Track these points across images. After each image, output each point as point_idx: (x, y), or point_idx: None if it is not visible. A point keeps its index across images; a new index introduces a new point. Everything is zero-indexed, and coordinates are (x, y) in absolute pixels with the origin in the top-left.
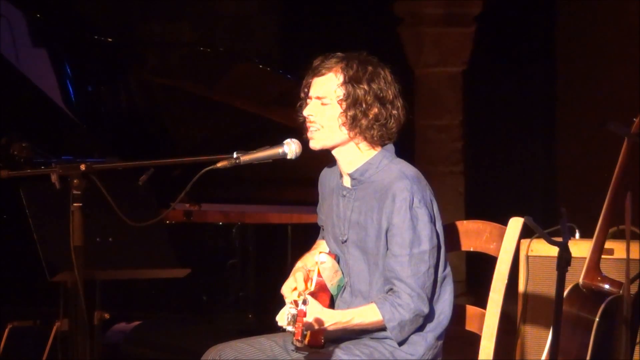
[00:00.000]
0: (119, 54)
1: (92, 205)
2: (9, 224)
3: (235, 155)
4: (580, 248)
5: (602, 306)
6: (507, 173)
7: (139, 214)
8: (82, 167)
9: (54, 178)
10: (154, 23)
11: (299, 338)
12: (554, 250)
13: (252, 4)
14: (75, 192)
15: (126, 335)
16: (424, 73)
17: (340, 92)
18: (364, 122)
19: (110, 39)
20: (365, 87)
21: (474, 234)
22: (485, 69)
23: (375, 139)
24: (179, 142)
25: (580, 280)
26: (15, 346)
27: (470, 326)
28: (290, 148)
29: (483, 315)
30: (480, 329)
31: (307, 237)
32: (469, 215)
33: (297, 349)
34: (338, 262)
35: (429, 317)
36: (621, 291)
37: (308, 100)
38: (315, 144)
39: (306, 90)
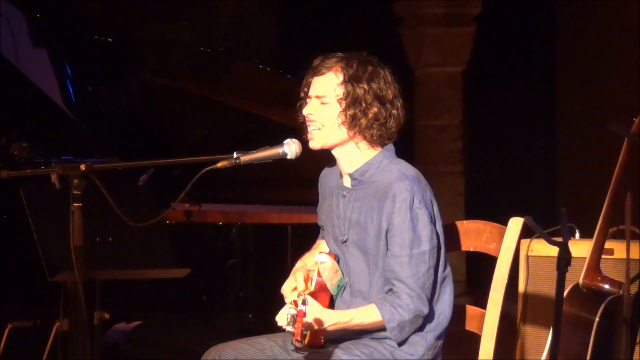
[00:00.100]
0: (119, 54)
1: (92, 205)
2: (9, 224)
3: (235, 155)
4: (580, 248)
5: (602, 306)
6: (507, 173)
7: (139, 214)
8: (82, 167)
9: (54, 178)
10: (154, 23)
11: (299, 338)
12: (554, 250)
13: (252, 4)
14: (75, 192)
15: (126, 335)
16: (424, 73)
17: (340, 91)
18: (363, 121)
19: (110, 39)
20: (365, 86)
21: (474, 234)
22: (485, 69)
23: (375, 138)
24: (179, 142)
25: (580, 280)
26: (15, 346)
27: (470, 326)
28: (290, 148)
29: (483, 315)
30: (480, 329)
31: (307, 237)
32: (469, 215)
33: (297, 349)
34: (338, 262)
35: (428, 317)
36: (621, 291)
37: (308, 100)
38: (314, 144)
39: (306, 89)
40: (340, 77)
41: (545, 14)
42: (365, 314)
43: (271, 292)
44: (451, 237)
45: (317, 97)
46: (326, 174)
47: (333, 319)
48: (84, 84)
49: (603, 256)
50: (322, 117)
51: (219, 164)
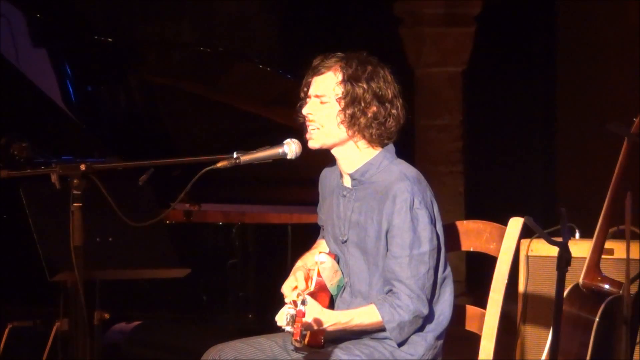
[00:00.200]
0: (119, 54)
1: (92, 205)
2: (9, 224)
3: (235, 155)
4: (580, 248)
5: (602, 306)
6: (507, 173)
7: (139, 214)
8: (82, 167)
9: (54, 178)
10: (154, 23)
11: (298, 338)
12: (554, 250)
13: (252, 4)
14: (75, 192)
15: (126, 335)
16: (424, 73)
17: (339, 90)
18: (362, 120)
19: (110, 39)
20: (364, 85)
21: (474, 234)
22: (485, 69)
23: (374, 137)
24: (179, 142)
25: (580, 280)
26: (15, 346)
27: (470, 326)
28: (290, 148)
29: (483, 315)
30: (480, 329)
31: (307, 237)
32: (469, 215)
33: (296, 349)
34: (338, 262)
35: (428, 317)
36: (621, 291)
37: (307, 100)
38: (313, 143)
39: (305, 89)
40: (339, 76)
41: (545, 14)
42: (365, 315)
43: (271, 292)
44: (451, 237)
45: (317, 96)
46: (326, 174)
47: (332, 319)
48: (84, 84)
49: (603, 256)
50: (322, 117)
51: (219, 164)
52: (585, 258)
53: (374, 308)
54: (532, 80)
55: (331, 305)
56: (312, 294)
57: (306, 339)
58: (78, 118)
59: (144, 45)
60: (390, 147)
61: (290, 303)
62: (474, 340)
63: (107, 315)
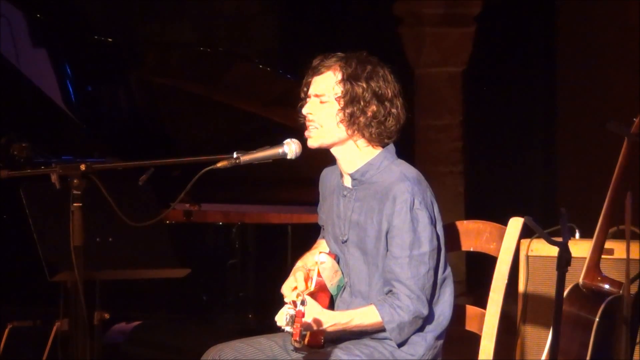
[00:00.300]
0: (119, 54)
1: (92, 205)
2: (9, 224)
3: (235, 155)
4: (580, 248)
5: (602, 306)
6: (507, 173)
7: (139, 214)
8: (82, 167)
9: (54, 178)
10: (154, 23)
11: (297, 339)
12: (554, 250)
13: (252, 4)
14: (75, 192)
15: (126, 335)
16: (424, 73)
17: (339, 89)
18: (362, 119)
19: (110, 39)
20: (364, 84)
21: (474, 234)
22: (485, 69)
23: (374, 137)
24: (179, 142)
25: (580, 280)
26: (15, 346)
27: (470, 326)
28: (290, 148)
29: (483, 315)
30: (480, 329)
31: (307, 237)
32: (469, 215)
33: (296, 349)
34: (338, 262)
35: (429, 318)
36: (621, 291)
37: (307, 99)
38: (313, 142)
39: (305, 89)
40: (339, 75)
41: (545, 14)
42: (365, 315)
43: (271, 292)
44: (451, 237)
45: (316, 95)
46: (327, 174)
47: (332, 320)
48: (84, 84)
49: (603, 256)
50: (321, 116)
51: (219, 164)
52: (585, 258)
53: (374, 309)
54: (532, 80)
55: (331, 305)
56: (312, 294)
57: (306, 339)
58: (78, 118)
59: (144, 45)
60: (391, 147)
61: (290, 303)
62: (474, 340)
63: (107, 315)
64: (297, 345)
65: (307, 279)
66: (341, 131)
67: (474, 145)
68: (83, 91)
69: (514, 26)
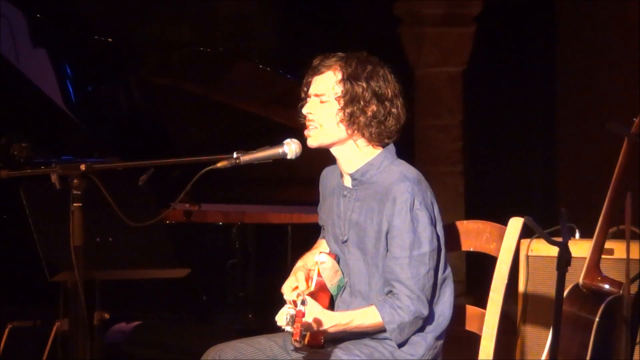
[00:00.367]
0: (119, 54)
1: (92, 205)
2: (9, 224)
3: (235, 155)
4: (580, 248)
5: (602, 306)
6: (507, 173)
7: (139, 214)
8: (82, 167)
9: (54, 178)
10: (154, 23)
11: (297, 338)
12: (554, 250)
13: (252, 4)
14: (75, 192)
15: (126, 335)
16: (424, 73)
17: (339, 89)
18: (362, 119)
19: (110, 39)
20: (364, 84)
21: (474, 234)
22: (485, 69)
23: (374, 137)
24: (179, 142)
25: (580, 280)
26: (15, 346)
27: (470, 326)
28: (290, 148)
29: (483, 315)
30: (480, 329)
31: (307, 237)
32: (469, 215)
33: (296, 349)
34: (338, 262)
35: (429, 318)
36: (621, 291)
37: (308, 99)
38: (312, 141)
39: (306, 89)
40: (339, 75)
41: (545, 14)
42: (365, 316)
43: (271, 292)
44: (451, 237)
45: (317, 95)
46: (327, 174)
47: (333, 320)
48: (84, 84)
49: (603, 256)
50: (321, 116)
51: (219, 164)
52: (585, 258)
53: (374, 309)
54: (532, 80)
55: (331, 305)
56: (312, 294)
57: (306, 339)
58: (78, 118)
59: (144, 45)
60: (391, 148)
61: (290, 303)
62: (474, 340)
63: (107, 315)
64: (297, 345)
65: (307, 278)
66: (341, 131)
67: (474, 145)
68: (83, 91)
69: (514, 26)
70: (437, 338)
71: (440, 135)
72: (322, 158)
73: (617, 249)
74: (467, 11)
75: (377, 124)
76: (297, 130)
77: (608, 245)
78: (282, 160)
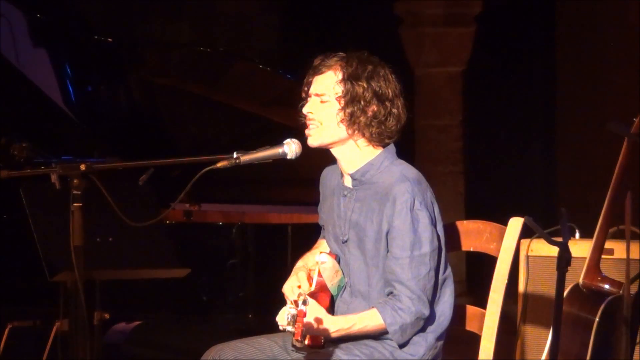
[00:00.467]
0: (119, 54)
1: (92, 205)
2: (9, 224)
3: (235, 155)
4: (580, 248)
5: (602, 306)
6: (507, 173)
7: (139, 214)
8: (82, 167)
9: (54, 178)
10: (154, 23)
11: (299, 338)
12: (554, 250)
13: (252, 4)
14: (75, 192)
15: (126, 335)
16: (424, 73)
17: (339, 89)
18: (362, 119)
19: (110, 39)
20: (364, 84)
21: (474, 234)
22: (485, 69)
23: (374, 136)
24: (179, 142)
25: (580, 280)
26: (15, 346)
27: (470, 326)
28: (290, 148)
29: (483, 315)
30: (480, 329)
31: (307, 237)
32: (469, 215)
33: (297, 349)
34: (338, 262)
35: (429, 318)
36: (621, 291)
37: (308, 99)
38: (312, 141)
39: (306, 89)
40: (339, 75)
41: (545, 14)
42: (367, 319)
43: (271, 292)
44: (451, 237)
45: (317, 95)
46: (327, 174)
47: (335, 325)
48: (84, 84)
49: (603, 256)
50: (322, 115)
51: (219, 164)
52: (585, 258)
53: (376, 312)
54: (532, 80)
55: (332, 305)
56: (313, 294)
57: (307, 339)
58: (78, 118)
59: (144, 45)
60: (391, 148)
61: (291, 303)
62: (474, 340)
63: (107, 315)
64: (298, 345)
65: (308, 278)
66: (341, 131)
67: (474, 145)
68: (83, 91)
69: (514, 26)
70: (438, 338)
71: (440, 135)
72: (322, 158)
73: (617, 249)
74: (467, 11)
75: (377, 124)
76: (297, 130)
77: (608, 245)
78: (282, 160)
